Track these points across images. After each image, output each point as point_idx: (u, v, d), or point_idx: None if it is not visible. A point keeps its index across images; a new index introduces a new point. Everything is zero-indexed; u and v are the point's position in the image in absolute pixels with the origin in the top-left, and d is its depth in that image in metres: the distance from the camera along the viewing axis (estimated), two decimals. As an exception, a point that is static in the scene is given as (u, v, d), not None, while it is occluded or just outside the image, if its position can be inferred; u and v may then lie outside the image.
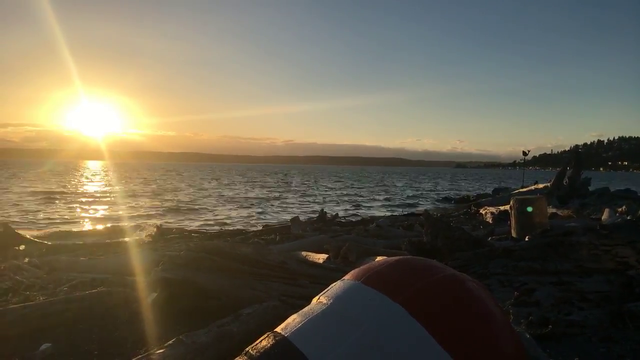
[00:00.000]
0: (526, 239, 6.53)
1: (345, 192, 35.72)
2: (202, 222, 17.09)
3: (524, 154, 31.95)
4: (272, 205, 25.30)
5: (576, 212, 12.28)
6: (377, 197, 33.09)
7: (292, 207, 24.04)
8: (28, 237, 8.96)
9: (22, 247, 7.79)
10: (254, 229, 12.92)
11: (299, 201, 28.25)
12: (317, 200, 28.81)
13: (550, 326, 3.08)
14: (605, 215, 9.64)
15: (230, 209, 22.62)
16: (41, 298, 4.11)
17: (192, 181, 45.53)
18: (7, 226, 8.49)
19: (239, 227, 14.75)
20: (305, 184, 44.21)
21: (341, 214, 18.00)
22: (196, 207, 23.02)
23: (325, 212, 14.55)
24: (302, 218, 13.54)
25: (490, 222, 12.10)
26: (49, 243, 9.18)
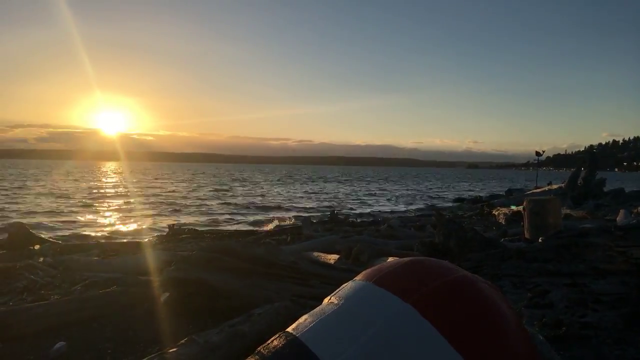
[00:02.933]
0: (539, 240, 6.48)
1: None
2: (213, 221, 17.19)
3: (538, 154, 31.58)
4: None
5: (591, 213, 12.15)
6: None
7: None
8: (42, 236, 9.08)
9: (36, 246, 7.89)
10: (265, 229, 12.96)
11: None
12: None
13: (564, 328, 3.05)
14: (620, 217, 9.52)
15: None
16: (56, 297, 4.16)
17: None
18: (22, 226, 8.61)
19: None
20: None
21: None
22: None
23: (337, 212, 14.54)
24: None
25: (503, 223, 12.01)
26: (64, 243, 9.30)
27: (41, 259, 5.76)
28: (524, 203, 8.11)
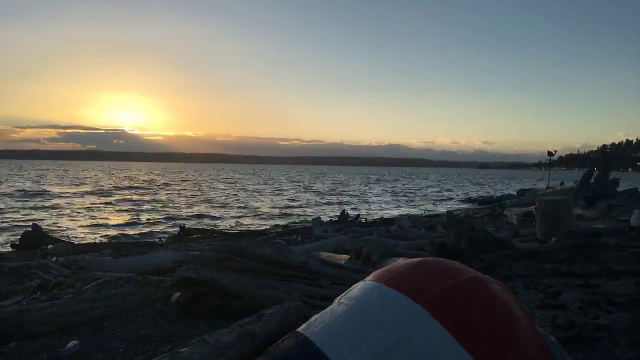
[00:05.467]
0: (552, 241, 6.42)
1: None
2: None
3: (550, 154, 31.28)
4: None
5: (604, 214, 12.01)
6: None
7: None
8: (56, 236, 9.18)
9: (50, 246, 7.97)
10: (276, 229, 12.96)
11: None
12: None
13: (576, 329, 3.02)
14: (634, 217, 9.40)
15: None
16: (68, 296, 4.20)
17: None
18: (36, 226, 8.72)
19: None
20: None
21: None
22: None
23: (347, 212, 14.53)
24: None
25: (515, 223, 11.92)
26: (76, 242, 9.39)
27: (54, 259, 5.82)
28: (536, 203, 8.04)
